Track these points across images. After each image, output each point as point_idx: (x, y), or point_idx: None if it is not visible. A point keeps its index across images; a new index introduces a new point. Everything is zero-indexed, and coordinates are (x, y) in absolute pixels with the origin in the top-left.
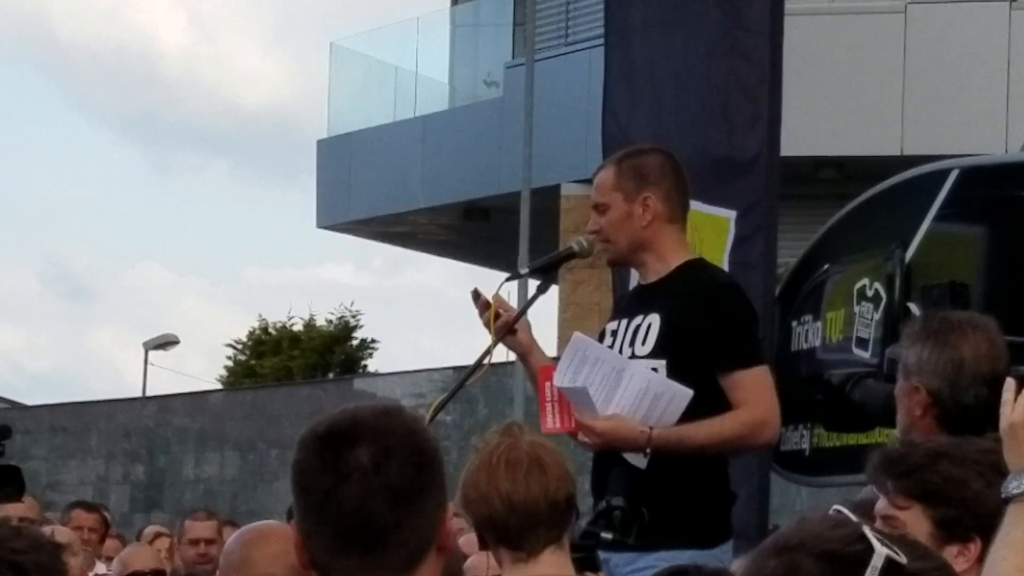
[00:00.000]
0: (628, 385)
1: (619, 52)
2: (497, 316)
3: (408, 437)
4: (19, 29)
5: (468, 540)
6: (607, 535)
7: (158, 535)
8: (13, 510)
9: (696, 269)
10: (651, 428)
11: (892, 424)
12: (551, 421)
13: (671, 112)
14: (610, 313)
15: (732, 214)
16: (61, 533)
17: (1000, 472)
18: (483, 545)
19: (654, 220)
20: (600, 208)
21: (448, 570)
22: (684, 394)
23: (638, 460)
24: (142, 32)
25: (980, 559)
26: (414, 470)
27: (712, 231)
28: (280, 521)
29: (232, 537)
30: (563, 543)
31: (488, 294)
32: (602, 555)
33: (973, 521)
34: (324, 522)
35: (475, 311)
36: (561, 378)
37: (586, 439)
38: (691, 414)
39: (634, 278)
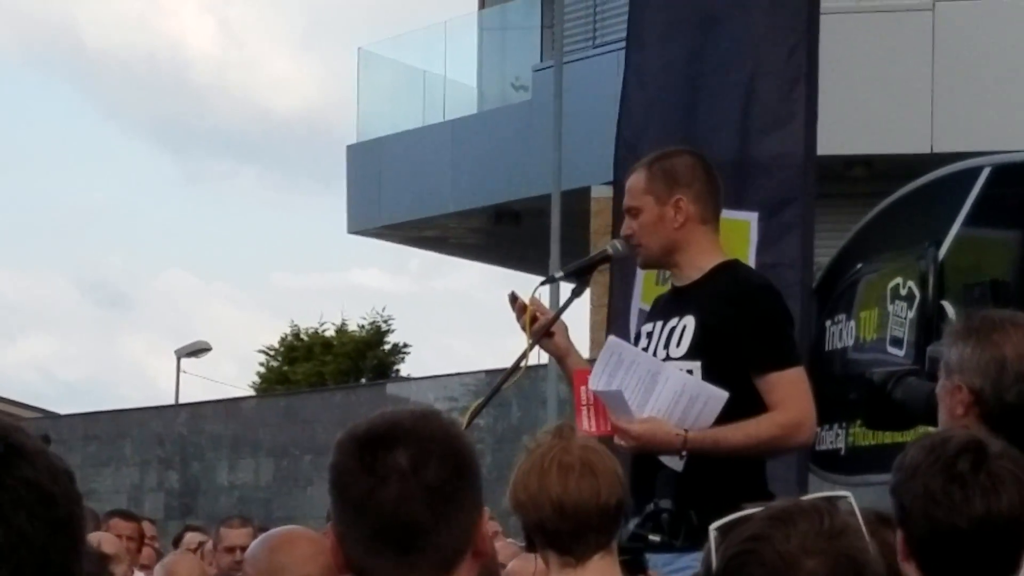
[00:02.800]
0: (663, 388)
1: (638, 55)
2: (534, 319)
3: (446, 440)
4: (48, 39)
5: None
6: (655, 537)
7: (200, 544)
8: None
9: (731, 271)
10: (686, 431)
11: (934, 422)
12: (587, 424)
13: (690, 115)
14: (645, 316)
15: (753, 216)
16: (108, 543)
17: None
18: (531, 547)
19: (687, 222)
20: (632, 212)
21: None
22: (719, 396)
23: (674, 462)
24: (171, 39)
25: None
26: (452, 472)
27: (729, 236)
28: (304, 527)
29: (254, 545)
30: (612, 548)
31: (523, 297)
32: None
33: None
34: (361, 523)
35: (508, 314)
36: (596, 381)
37: (622, 442)
38: (727, 416)
39: (638, 284)
